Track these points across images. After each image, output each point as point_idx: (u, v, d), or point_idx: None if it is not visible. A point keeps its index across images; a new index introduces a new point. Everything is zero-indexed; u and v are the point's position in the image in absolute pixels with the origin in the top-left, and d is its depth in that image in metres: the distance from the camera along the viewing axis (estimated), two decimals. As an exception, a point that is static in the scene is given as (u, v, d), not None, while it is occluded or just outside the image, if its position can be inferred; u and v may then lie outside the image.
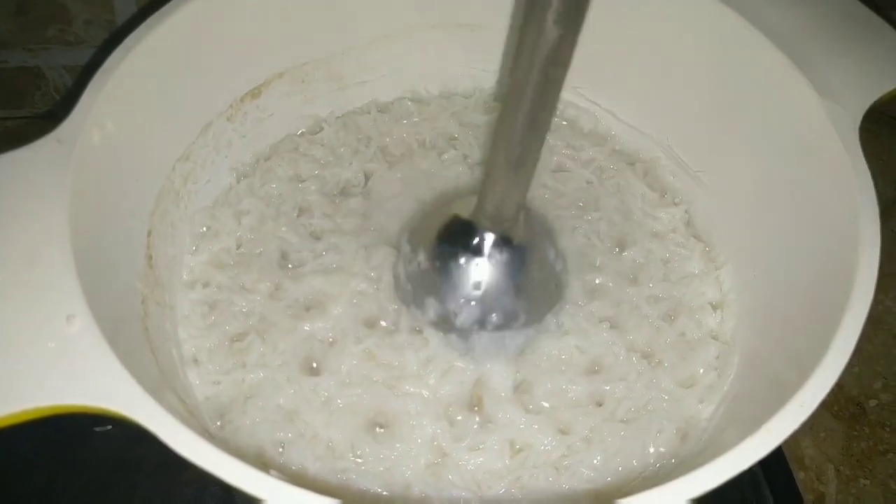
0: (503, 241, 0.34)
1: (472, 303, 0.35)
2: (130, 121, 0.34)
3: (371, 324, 0.37)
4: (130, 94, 0.33)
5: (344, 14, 0.43)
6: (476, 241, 0.34)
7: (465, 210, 0.34)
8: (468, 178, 0.44)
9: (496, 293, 0.34)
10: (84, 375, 0.24)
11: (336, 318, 0.37)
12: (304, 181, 0.43)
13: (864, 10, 0.38)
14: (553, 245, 0.37)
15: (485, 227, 0.33)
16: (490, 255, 0.34)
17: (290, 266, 0.40)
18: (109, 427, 0.43)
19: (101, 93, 0.31)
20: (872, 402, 0.50)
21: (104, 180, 0.32)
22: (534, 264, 0.35)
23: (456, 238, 0.34)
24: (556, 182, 0.44)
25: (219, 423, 0.35)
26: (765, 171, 0.38)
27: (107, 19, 0.53)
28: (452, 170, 0.44)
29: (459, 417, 0.35)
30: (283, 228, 0.41)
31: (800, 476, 0.47)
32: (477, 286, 0.34)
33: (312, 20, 0.42)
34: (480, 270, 0.34)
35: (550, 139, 0.46)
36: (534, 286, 0.36)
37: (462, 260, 0.34)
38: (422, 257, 0.35)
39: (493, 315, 0.35)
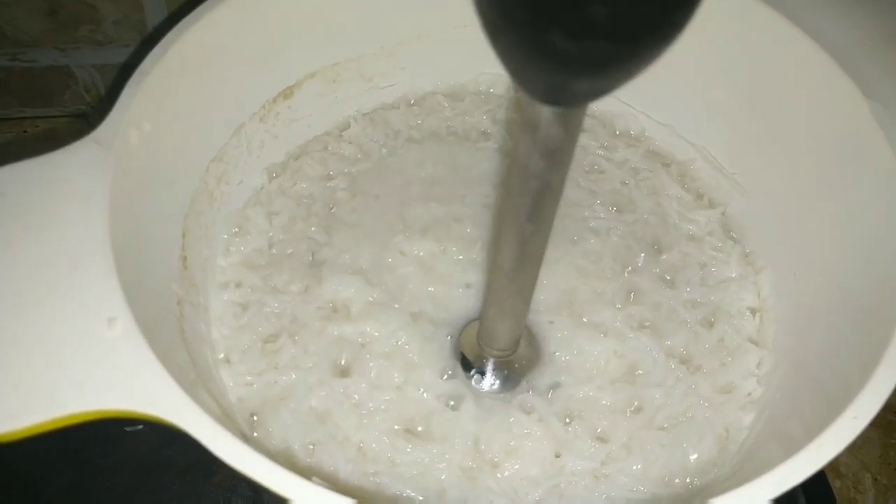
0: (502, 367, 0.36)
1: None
2: (166, 122, 0.33)
3: (400, 328, 0.37)
4: (166, 96, 0.33)
5: (376, 14, 0.43)
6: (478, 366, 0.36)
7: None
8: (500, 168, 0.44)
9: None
10: (126, 379, 0.24)
11: (363, 320, 0.37)
12: (333, 179, 0.43)
13: (911, 9, 0.37)
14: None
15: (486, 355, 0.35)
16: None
17: (319, 267, 0.40)
18: (140, 426, 0.42)
19: (139, 94, 0.31)
20: (910, 410, 0.49)
21: (141, 182, 0.31)
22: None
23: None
24: (589, 182, 0.43)
25: (251, 425, 0.34)
26: (805, 172, 0.38)
27: (136, 19, 0.53)
28: (484, 157, 0.44)
29: (496, 422, 0.34)
30: (313, 228, 0.41)
31: (836, 485, 0.46)
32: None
33: (344, 21, 0.42)
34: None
35: (584, 139, 0.45)
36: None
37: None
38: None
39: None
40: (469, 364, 0.36)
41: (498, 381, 0.36)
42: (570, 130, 0.21)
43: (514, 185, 0.23)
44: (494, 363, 0.35)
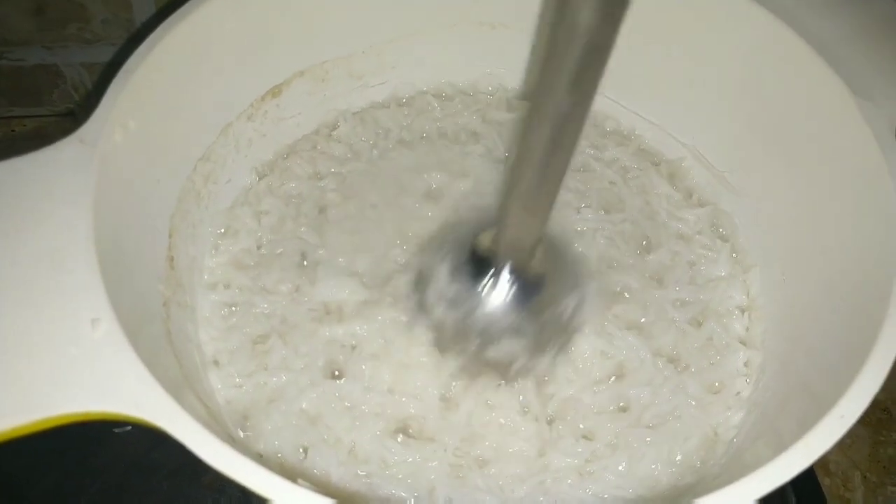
0: (517, 274, 0.33)
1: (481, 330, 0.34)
2: (152, 120, 0.33)
3: (392, 328, 0.37)
4: (152, 94, 0.33)
5: (365, 12, 0.42)
6: (492, 272, 0.33)
7: (485, 240, 0.34)
8: (491, 172, 0.44)
9: (505, 323, 0.34)
10: (110, 381, 0.24)
11: (356, 322, 0.37)
12: (322, 179, 0.43)
13: (900, 8, 0.37)
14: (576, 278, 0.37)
15: (501, 260, 0.33)
16: (503, 287, 0.34)
17: (309, 266, 0.39)
18: (129, 428, 0.42)
19: (124, 92, 0.31)
20: (900, 408, 0.49)
21: (127, 181, 0.31)
22: (545, 298, 0.35)
23: (473, 268, 0.34)
24: (577, 182, 0.43)
25: (241, 428, 0.34)
26: (795, 171, 0.38)
27: (125, 17, 0.52)
28: (474, 160, 0.44)
29: (483, 422, 0.34)
30: (303, 228, 0.41)
31: (825, 483, 0.46)
32: (489, 316, 0.34)
33: (334, 19, 0.42)
34: (493, 301, 0.34)
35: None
36: (543, 320, 0.35)
37: (477, 289, 0.34)
38: (440, 284, 0.35)
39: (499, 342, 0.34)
40: (482, 266, 0.33)
41: (512, 290, 0.33)
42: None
43: (558, 47, 0.21)
44: (511, 267, 0.33)
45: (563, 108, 0.23)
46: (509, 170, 0.29)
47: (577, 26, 0.21)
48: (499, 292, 0.34)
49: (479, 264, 0.34)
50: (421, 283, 0.37)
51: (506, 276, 0.33)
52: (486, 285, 0.34)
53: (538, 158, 0.25)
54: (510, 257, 0.32)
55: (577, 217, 0.41)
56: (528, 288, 0.34)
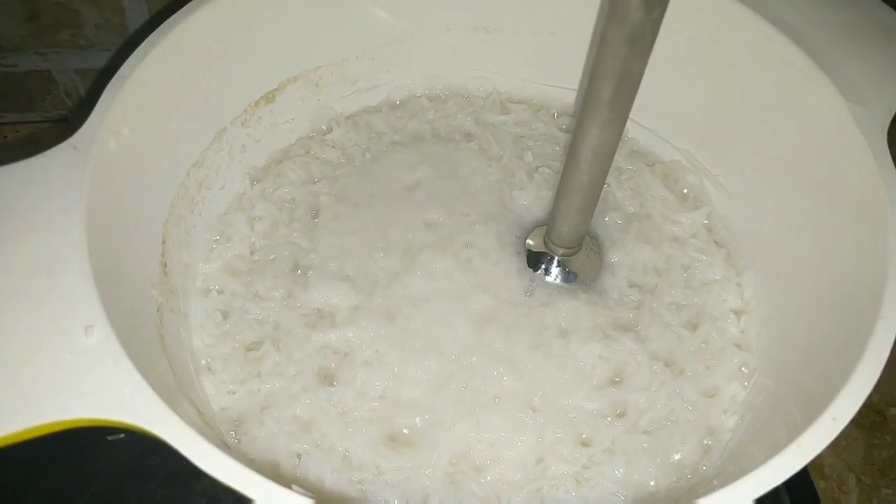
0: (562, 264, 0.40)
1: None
2: (146, 127, 0.33)
3: (383, 335, 0.37)
4: (145, 100, 0.33)
5: (359, 18, 0.42)
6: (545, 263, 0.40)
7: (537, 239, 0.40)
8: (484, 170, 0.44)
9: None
10: (104, 388, 0.24)
11: (348, 328, 0.37)
12: (316, 184, 0.43)
13: (891, 14, 0.38)
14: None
15: (552, 251, 0.39)
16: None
17: (301, 272, 0.39)
18: (122, 435, 0.42)
19: (117, 99, 0.31)
20: (893, 410, 0.49)
21: (120, 187, 0.31)
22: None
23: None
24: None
25: (235, 434, 0.34)
26: (788, 174, 0.38)
27: (118, 23, 0.52)
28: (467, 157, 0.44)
29: (479, 427, 0.34)
30: (296, 234, 0.41)
31: (820, 485, 0.46)
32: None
33: (327, 24, 0.42)
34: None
35: (568, 139, 0.45)
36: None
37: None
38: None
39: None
40: (536, 261, 0.39)
41: (560, 276, 0.39)
42: (654, 17, 0.25)
43: (598, 72, 0.28)
44: (559, 261, 0.39)
45: (604, 118, 0.30)
46: (563, 173, 0.34)
47: (614, 56, 0.27)
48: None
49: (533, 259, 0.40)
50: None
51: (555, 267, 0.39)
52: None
53: (582, 162, 0.32)
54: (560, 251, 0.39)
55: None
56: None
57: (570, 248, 0.39)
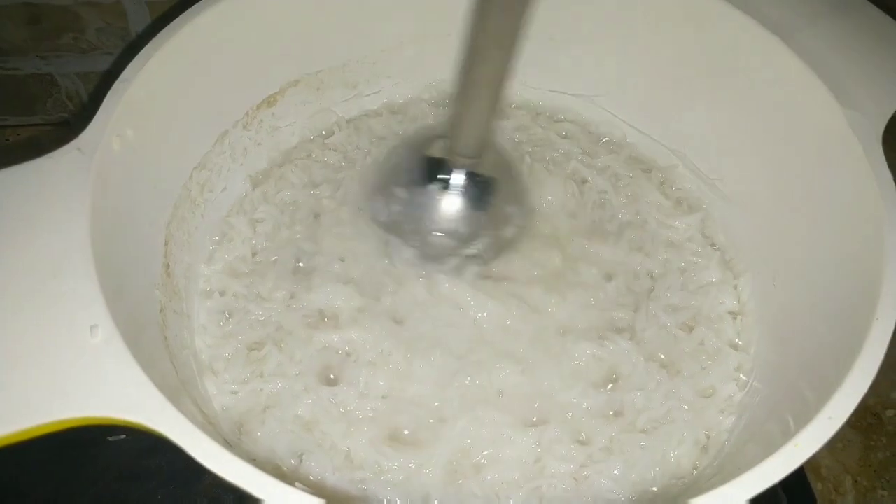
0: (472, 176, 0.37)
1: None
2: (149, 129, 0.33)
3: (386, 334, 0.37)
4: (149, 103, 0.33)
5: (360, 22, 0.43)
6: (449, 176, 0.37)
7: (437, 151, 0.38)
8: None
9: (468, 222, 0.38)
10: (109, 387, 0.24)
11: (351, 330, 0.37)
12: (318, 187, 0.43)
13: (886, 19, 0.38)
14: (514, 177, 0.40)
15: (456, 164, 0.37)
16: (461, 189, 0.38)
17: (304, 274, 0.40)
18: (123, 436, 0.42)
19: (121, 101, 0.31)
20: (889, 413, 0.49)
21: (124, 189, 0.31)
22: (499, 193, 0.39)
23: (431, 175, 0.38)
24: (572, 187, 0.44)
25: (237, 434, 0.34)
26: (784, 180, 0.38)
27: (120, 27, 0.52)
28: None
29: (478, 427, 0.35)
30: (298, 236, 0.41)
31: (817, 487, 0.46)
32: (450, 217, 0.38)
33: (328, 29, 0.42)
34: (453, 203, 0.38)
35: (566, 145, 0.46)
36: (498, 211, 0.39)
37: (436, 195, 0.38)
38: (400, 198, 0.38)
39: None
40: (437, 170, 0.37)
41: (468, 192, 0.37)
42: None
43: None
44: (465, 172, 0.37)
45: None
46: (459, 71, 0.33)
47: None
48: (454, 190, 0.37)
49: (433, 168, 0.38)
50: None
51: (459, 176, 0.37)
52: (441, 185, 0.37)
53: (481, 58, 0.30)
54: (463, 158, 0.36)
55: (569, 222, 0.42)
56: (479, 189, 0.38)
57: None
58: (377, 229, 0.41)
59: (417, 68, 0.46)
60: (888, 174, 0.32)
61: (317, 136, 0.46)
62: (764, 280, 0.39)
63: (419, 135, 0.41)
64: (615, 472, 0.34)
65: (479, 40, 0.30)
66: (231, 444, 0.33)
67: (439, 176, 0.37)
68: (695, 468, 0.35)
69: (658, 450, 0.34)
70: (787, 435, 0.26)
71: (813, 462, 0.47)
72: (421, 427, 0.35)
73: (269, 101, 0.42)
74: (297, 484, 0.23)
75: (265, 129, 0.43)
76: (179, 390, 0.30)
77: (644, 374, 0.37)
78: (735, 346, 0.38)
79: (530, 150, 0.46)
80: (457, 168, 0.37)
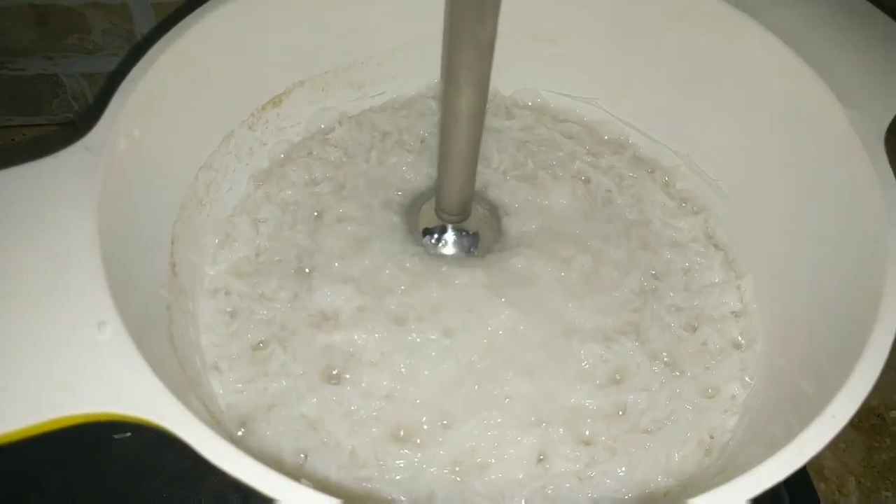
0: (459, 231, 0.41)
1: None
2: (155, 129, 0.34)
3: (389, 331, 0.37)
4: (156, 103, 0.33)
5: (365, 23, 0.43)
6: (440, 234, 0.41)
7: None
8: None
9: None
10: (116, 383, 0.24)
11: (353, 330, 0.37)
12: (318, 184, 0.43)
13: (887, 20, 0.38)
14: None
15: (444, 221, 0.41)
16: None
17: (306, 273, 0.40)
18: (128, 434, 0.42)
19: (129, 101, 0.31)
20: (893, 413, 0.49)
21: (131, 188, 0.32)
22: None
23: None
24: (575, 188, 0.44)
25: (242, 432, 0.34)
26: (786, 180, 0.38)
27: (125, 28, 0.53)
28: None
29: (483, 426, 0.35)
30: (300, 235, 0.41)
31: (820, 488, 0.46)
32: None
33: (334, 29, 0.42)
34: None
35: (571, 145, 0.46)
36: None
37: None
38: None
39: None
40: (429, 231, 0.41)
41: (457, 248, 0.41)
42: None
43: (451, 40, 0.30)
44: (452, 228, 0.41)
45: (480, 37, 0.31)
46: (440, 143, 0.36)
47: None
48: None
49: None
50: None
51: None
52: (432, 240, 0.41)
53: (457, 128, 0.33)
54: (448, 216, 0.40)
55: (572, 226, 0.42)
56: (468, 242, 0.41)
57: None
58: (379, 228, 0.41)
59: (424, 68, 0.46)
60: (891, 174, 0.32)
61: (317, 133, 0.46)
62: (767, 280, 0.39)
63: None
64: (619, 472, 0.34)
65: (449, 119, 0.34)
66: (236, 442, 0.33)
67: (432, 233, 0.41)
68: (699, 467, 0.35)
69: (662, 450, 0.34)
70: (790, 434, 0.26)
71: (816, 463, 0.48)
72: (425, 427, 0.35)
73: (275, 102, 0.43)
74: (302, 480, 0.23)
75: (270, 129, 0.43)
76: (186, 388, 0.30)
77: (648, 374, 0.37)
78: (738, 347, 0.38)
79: (535, 149, 0.46)
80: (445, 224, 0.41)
